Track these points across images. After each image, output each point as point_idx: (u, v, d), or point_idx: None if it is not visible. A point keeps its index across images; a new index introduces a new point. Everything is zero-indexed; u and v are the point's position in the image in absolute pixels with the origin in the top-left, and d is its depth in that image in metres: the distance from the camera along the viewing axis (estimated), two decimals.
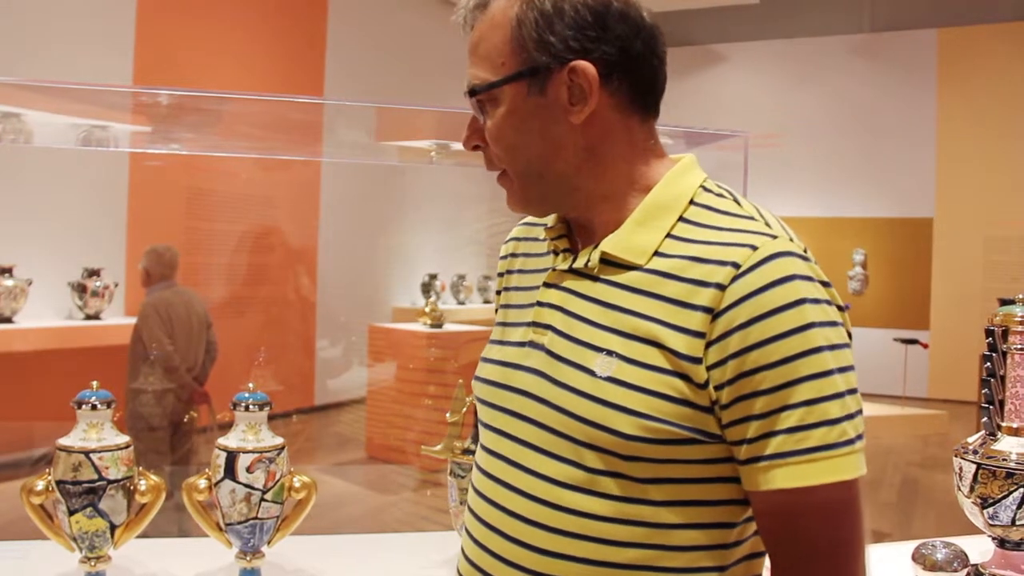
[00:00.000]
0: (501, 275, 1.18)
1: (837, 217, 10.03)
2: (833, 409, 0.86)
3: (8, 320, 5.08)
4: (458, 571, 1.07)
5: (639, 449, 0.90)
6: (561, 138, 0.98)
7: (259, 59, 7.21)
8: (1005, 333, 1.39)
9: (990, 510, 1.35)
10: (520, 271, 1.13)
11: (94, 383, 1.61)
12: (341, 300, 7.73)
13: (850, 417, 0.87)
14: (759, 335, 0.86)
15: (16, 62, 5.22)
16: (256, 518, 1.59)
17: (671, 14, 9.71)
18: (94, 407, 1.56)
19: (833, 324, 0.88)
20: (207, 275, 6.56)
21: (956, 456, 1.43)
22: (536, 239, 1.14)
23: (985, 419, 1.40)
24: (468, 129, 1.03)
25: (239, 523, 1.59)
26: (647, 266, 0.95)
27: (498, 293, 1.18)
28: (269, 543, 1.65)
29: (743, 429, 0.88)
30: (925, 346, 8.01)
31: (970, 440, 1.44)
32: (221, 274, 6.73)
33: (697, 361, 0.88)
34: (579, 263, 1.00)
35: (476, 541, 1.02)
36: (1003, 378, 1.37)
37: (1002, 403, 1.38)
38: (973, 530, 1.59)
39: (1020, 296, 1.42)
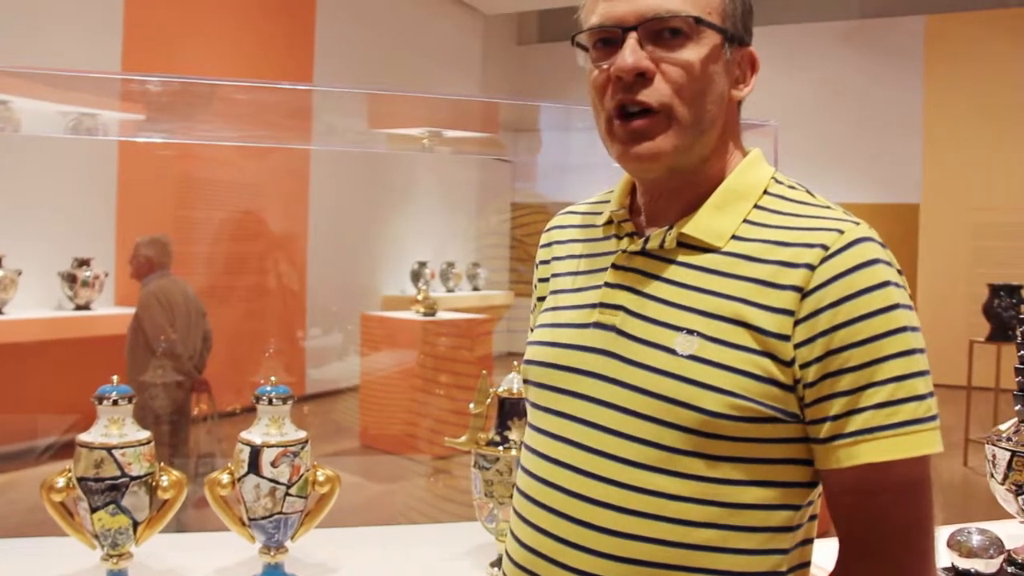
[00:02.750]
0: (545, 262, 1.19)
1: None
2: (920, 385, 0.90)
3: None
4: (508, 555, 1.06)
5: (722, 427, 0.91)
6: (723, 106, 1.01)
7: (248, 46, 7.13)
8: None
9: None
10: (571, 256, 1.13)
11: (114, 377, 1.59)
12: (332, 288, 7.68)
13: (931, 395, 0.91)
14: (848, 314, 0.89)
15: (3, 49, 5.13)
16: (281, 513, 1.57)
17: None
18: (115, 402, 1.54)
19: (910, 307, 0.92)
20: (197, 264, 6.50)
21: (988, 444, 1.44)
22: (585, 226, 1.14)
23: (1019, 407, 1.40)
24: (636, 53, 0.96)
25: (263, 518, 1.57)
26: (725, 249, 0.97)
27: (544, 280, 1.18)
28: (293, 538, 1.63)
29: (827, 407, 0.90)
30: None
31: (1002, 427, 1.45)
32: (211, 263, 6.67)
33: (785, 339, 0.91)
34: (653, 244, 1.01)
35: (535, 526, 1.01)
36: None
37: None
38: (975, 515, 1.60)
39: None
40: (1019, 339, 1.40)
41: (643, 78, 0.97)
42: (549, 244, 1.19)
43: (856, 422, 0.89)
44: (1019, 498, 1.37)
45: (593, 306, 1.03)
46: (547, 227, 1.21)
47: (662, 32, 0.96)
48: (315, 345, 7.47)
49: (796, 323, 0.91)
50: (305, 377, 7.08)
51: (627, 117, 0.98)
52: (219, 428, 4.01)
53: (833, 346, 0.89)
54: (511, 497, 1.67)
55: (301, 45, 7.76)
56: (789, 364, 0.91)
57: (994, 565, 1.35)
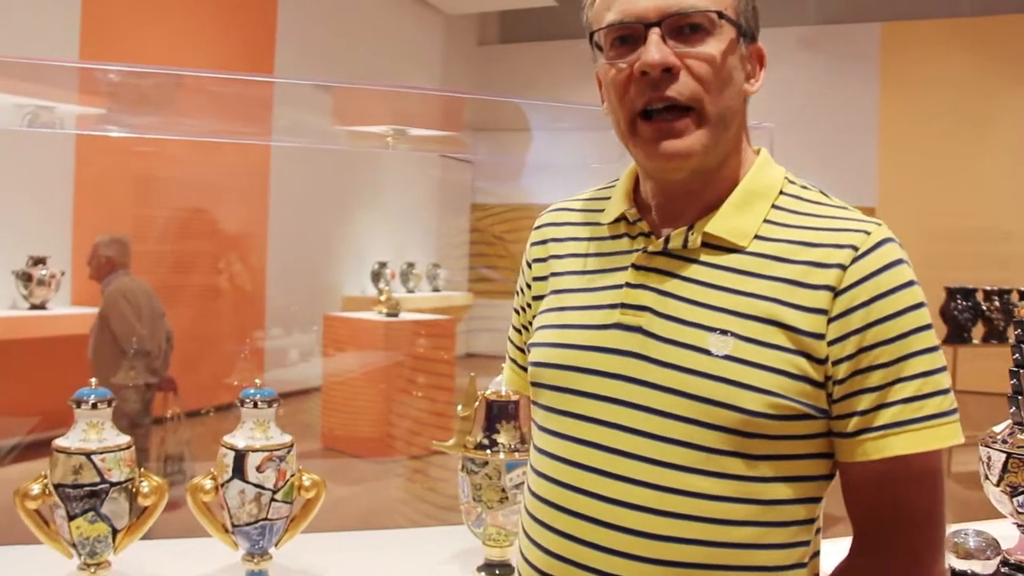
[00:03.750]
0: (541, 260, 1.15)
1: None
2: (943, 380, 0.93)
3: None
4: (526, 560, 1.03)
5: (761, 426, 0.92)
6: (741, 101, 1.02)
7: (208, 43, 7.01)
8: None
9: (1021, 498, 1.37)
10: (574, 255, 1.11)
11: (92, 380, 1.53)
12: (292, 288, 7.59)
13: (952, 389, 0.94)
14: (880, 312, 0.92)
15: None
16: (266, 519, 1.53)
17: None
18: (94, 406, 1.48)
19: (926, 306, 0.95)
20: (155, 263, 6.36)
21: (983, 445, 1.45)
22: (586, 223, 1.12)
23: (1013, 409, 1.42)
24: (661, 49, 0.94)
25: (248, 524, 1.53)
26: (750, 249, 0.98)
27: (540, 279, 1.15)
28: (277, 544, 1.59)
29: (855, 402, 0.93)
30: None
31: (996, 429, 1.46)
32: (169, 262, 6.54)
33: (819, 337, 0.92)
34: (675, 244, 1.00)
35: (557, 530, 0.99)
36: None
37: None
38: (961, 516, 1.62)
39: None
40: (1013, 341, 1.42)
41: (669, 74, 0.95)
42: (544, 242, 1.16)
43: (885, 416, 0.91)
44: (1014, 499, 1.38)
45: (613, 306, 1.02)
46: (538, 224, 1.19)
47: (683, 27, 0.95)
48: (276, 346, 7.36)
49: (829, 321, 0.92)
50: (264, 378, 6.98)
51: (652, 115, 0.96)
52: (185, 429, 3.91)
53: (865, 343, 0.91)
54: (500, 501, 1.66)
55: (262, 44, 7.65)
56: (822, 362, 0.92)
57: (991, 566, 1.37)
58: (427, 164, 10.33)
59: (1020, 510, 1.38)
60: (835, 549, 1.08)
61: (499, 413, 1.70)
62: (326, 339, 6.54)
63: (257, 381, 1.60)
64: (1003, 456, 1.40)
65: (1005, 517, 1.42)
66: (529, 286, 1.17)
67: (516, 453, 1.66)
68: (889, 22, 9.66)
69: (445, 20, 10.80)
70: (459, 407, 1.73)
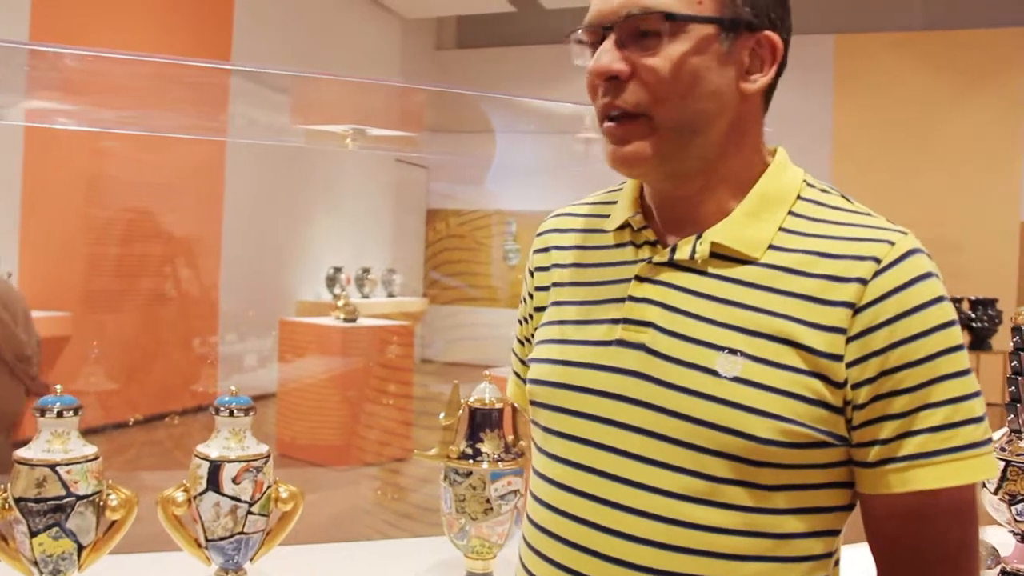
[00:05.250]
0: (543, 269, 1.08)
1: None
2: (977, 408, 0.85)
3: None
4: None
5: (771, 454, 0.85)
6: (726, 101, 0.91)
7: (163, 43, 6.84)
8: None
9: (1019, 507, 1.36)
10: (575, 264, 1.04)
11: (57, 387, 1.44)
12: (246, 292, 7.44)
13: (986, 417, 0.86)
14: (905, 331, 0.84)
15: None
16: (242, 533, 1.46)
17: (566, 11, 9.75)
18: (59, 414, 1.39)
19: (957, 324, 0.87)
20: (105, 266, 6.18)
21: None
22: (589, 230, 1.05)
23: (1011, 416, 1.41)
24: (609, 54, 0.89)
25: (223, 539, 1.45)
26: (763, 260, 0.90)
27: (543, 289, 1.08)
28: (252, 559, 1.51)
29: (876, 429, 0.85)
30: None
31: (994, 437, 1.45)
32: (122, 264, 6.36)
33: (837, 359, 0.84)
34: (681, 255, 0.92)
35: (555, 562, 0.92)
36: None
37: None
38: None
39: None
40: (1012, 348, 1.41)
41: (618, 81, 0.90)
42: (546, 249, 1.09)
43: (910, 446, 0.84)
44: (1012, 508, 1.37)
45: (615, 321, 0.94)
46: (540, 230, 1.12)
47: (637, 32, 0.89)
48: (230, 351, 7.21)
49: (848, 340, 0.84)
50: (218, 384, 6.82)
51: (610, 119, 0.92)
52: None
53: (888, 366, 0.84)
54: (484, 513, 1.61)
55: (218, 46, 7.49)
56: (840, 385, 0.85)
57: (992, 575, 1.35)
58: (383, 167, 10.25)
59: (1018, 518, 1.37)
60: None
61: (483, 421, 1.65)
62: (282, 345, 6.42)
63: (232, 388, 1.53)
64: (1001, 464, 1.39)
65: (1001, 525, 1.41)
66: (531, 295, 1.11)
67: (500, 463, 1.61)
68: (843, 34, 9.83)
69: (402, 24, 10.73)
70: (441, 415, 1.67)
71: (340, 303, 6.52)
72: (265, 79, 3.52)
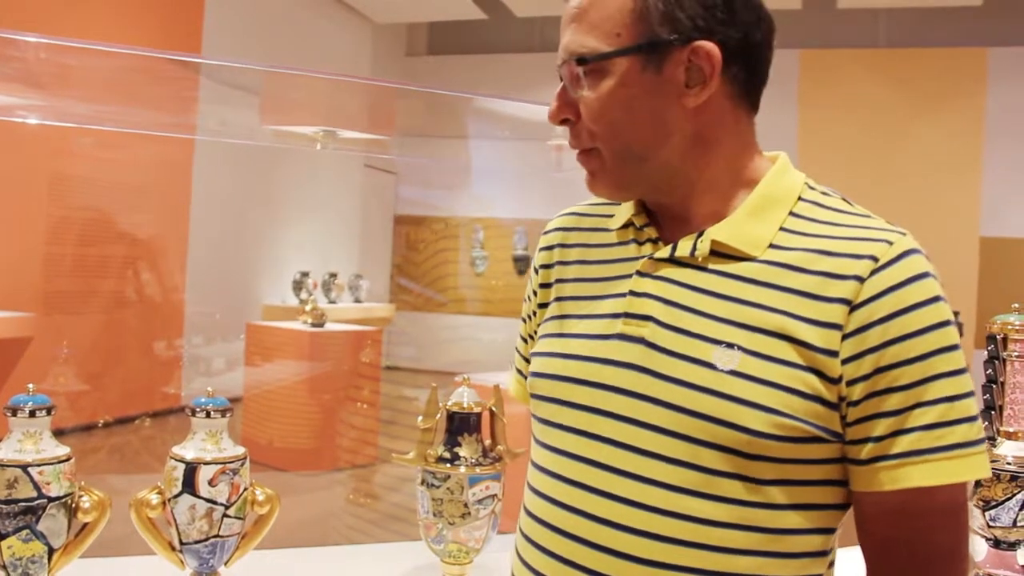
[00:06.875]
0: (547, 266, 1.11)
1: None
2: (971, 407, 0.86)
3: None
4: None
5: (766, 447, 0.86)
6: (671, 121, 0.93)
7: (129, 29, 6.75)
8: (1006, 340, 1.43)
9: (992, 512, 1.39)
10: (579, 261, 1.06)
11: (30, 386, 1.41)
12: (212, 295, 7.35)
13: (979, 417, 0.88)
14: (899, 330, 0.85)
15: None
16: (218, 536, 1.44)
17: (537, 19, 9.80)
18: (32, 414, 1.37)
19: (955, 325, 0.89)
20: (68, 266, 6.07)
21: None
22: (594, 229, 1.07)
23: (986, 423, 1.43)
24: (557, 100, 0.95)
25: (198, 542, 1.43)
26: (762, 258, 0.91)
27: (546, 286, 1.10)
28: (227, 563, 1.49)
29: (869, 427, 0.86)
30: None
31: None
32: (82, 265, 6.25)
33: (832, 354, 0.86)
34: (682, 251, 0.94)
35: (551, 552, 0.93)
36: (1003, 384, 1.41)
37: (1001, 408, 1.42)
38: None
39: (1015, 305, 1.47)
40: (986, 356, 1.44)
41: (569, 122, 0.96)
42: (551, 247, 1.11)
43: (902, 443, 0.85)
44: (986, 513, 1.40)
45: (615, 316, 0.96)
46: (547, 229, 1.14)
47: (573, 74, 0.94)
48: (195, 355, 7.12)
49: (844, 337, 0.86)
50: (183, 388, 6.73)
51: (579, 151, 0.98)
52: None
53: (883, 363, 0.85)
54: (462, 517, 1.61)
55: (187, 48, 7.40)
56: (835, 381, 0.86)
57: None
58: (352, 172, 10.20)
59: (991, 524, 1.40)
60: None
61: (461, 425, 1.65)
62: (249, 348, 6.35)
63: (209, 389, 1.52)
64: None
65: (974, 531, 1.43)
66: (535, 293, 1.12)
67: (478, 467, 1.61)
68: (808, 49, 9.97)
69: (373, 29, 10.70)
70: (419, 419, 1.67)
71: (308, 308, 6.47)
72: (236, 77, 3.49)
